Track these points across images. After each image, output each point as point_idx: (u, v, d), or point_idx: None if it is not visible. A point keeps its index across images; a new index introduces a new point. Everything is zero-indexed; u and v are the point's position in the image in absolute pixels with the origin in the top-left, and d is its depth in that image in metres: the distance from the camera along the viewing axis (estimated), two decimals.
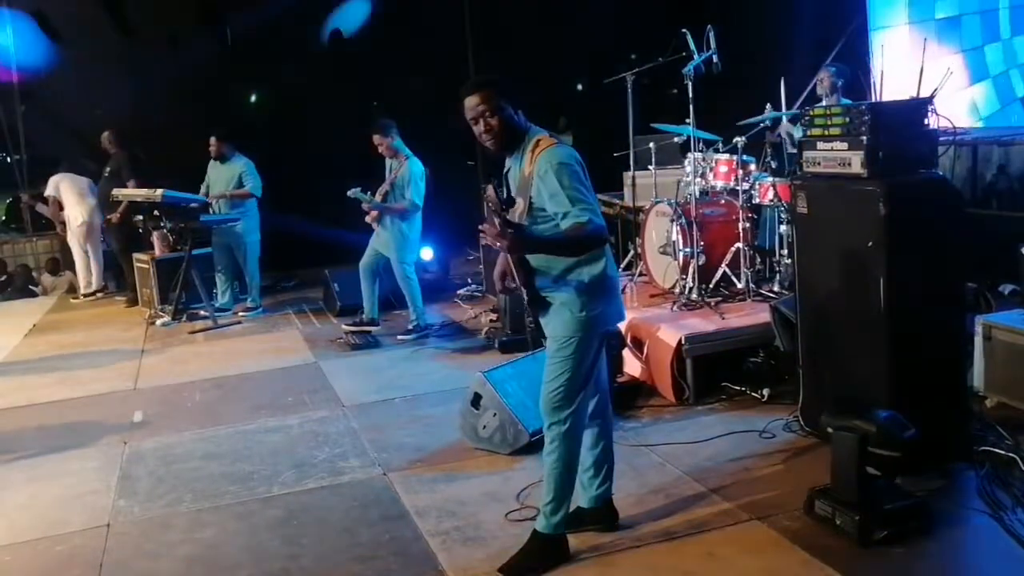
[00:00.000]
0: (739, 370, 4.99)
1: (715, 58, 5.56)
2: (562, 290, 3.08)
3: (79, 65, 9.44)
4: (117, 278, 9.52)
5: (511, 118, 3.04)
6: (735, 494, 3.66)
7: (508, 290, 3.39)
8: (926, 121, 3.77)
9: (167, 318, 7.76)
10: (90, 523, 3.86)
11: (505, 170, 3.22)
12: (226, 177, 7.83)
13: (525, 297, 3.14)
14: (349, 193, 6.47)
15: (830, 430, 3.31)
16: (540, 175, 2.95)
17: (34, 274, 10.47)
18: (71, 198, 9.13)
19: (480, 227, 2.95)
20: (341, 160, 9.11)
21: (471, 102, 3.02)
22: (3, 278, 10.25)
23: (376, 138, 6.51)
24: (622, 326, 5.28)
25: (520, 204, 3.06)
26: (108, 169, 8.80)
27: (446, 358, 6.20)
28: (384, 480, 4.11)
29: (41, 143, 10.01)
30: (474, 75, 3.12)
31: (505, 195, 3.13)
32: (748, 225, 5.61)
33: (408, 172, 6.49)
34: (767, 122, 6.10)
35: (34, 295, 10.12)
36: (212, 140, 7.80)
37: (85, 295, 9.37)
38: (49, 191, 9.19)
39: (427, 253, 8.12)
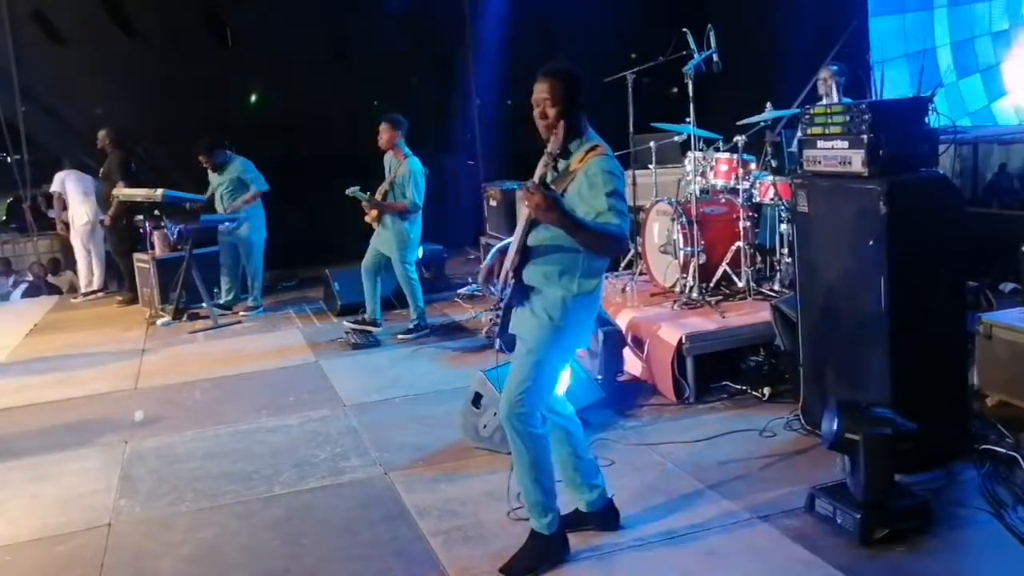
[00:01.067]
0: (740, 369, 4.99)
1: (715, 57, 5.56)
2: (550, 291, 3.07)
3: (80, 65, 9.44)
4: (118, 278, 9.52)
5: (569, 114, 3.04)
6: (736, 493, 3.66)
7: (492, 286, 3.31)
8: (927, 120, 3.77)
9: (168, 318, 7.76)
10: (91, 523, 3.86)
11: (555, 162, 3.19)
12: (229, 178, 7.82)
13: (511, 281, 3.10)
14: (348, 192, 6.47)
15: (852, 435, 3.26)
16: (588, 174, 2.97)
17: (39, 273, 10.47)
18: (76, 197, 9.13)
19: (525, 184, 2.92)
20: (341, 159, 9.12)
21: (539, 87, 3.07)
22: (11, 278, 10.26)
23: (383, 127, 6.52)
24: (622, 325, 5.28)
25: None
26: (102, 170, 8.81)
27: (447, 357, 6.19)
28: (385, 480, 4.11)
29: (42, 143, 10.01)
30: (551, 62, 3.10)
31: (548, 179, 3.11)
32: (748, 224, 5.61)
33: (408, 171, 6.48)
34: (767, 121, 6.09)
35: (54, 292, 10.07)
36: (200, 158, 7.77)
37: (85, 295, 9.37)
38: (55, 187, 9.19)
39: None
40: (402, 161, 6.54)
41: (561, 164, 3.09)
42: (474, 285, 8.16)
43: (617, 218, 2.92)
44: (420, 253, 7.92)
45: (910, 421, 3.25)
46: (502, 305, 3.17)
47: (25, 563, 3.57)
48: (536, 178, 2.95)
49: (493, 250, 3.34)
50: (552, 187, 2.97)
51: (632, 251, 6.63)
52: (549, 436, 3.22)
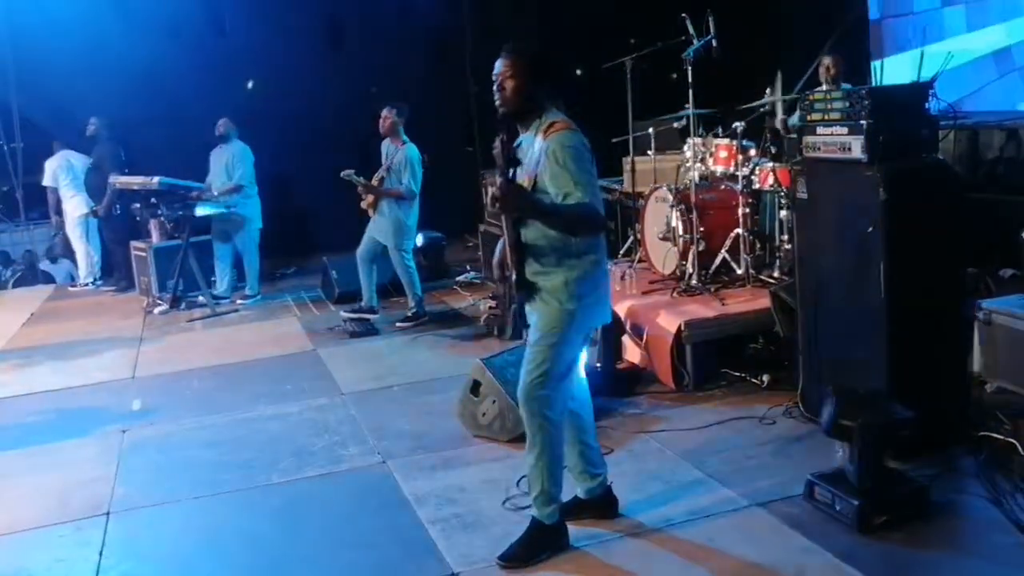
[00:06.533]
0: (739, 356, 4.98)
1: (714, 43, 5.53)
2: (552, 278, 3.06)
3: (75, 51, 9.37)
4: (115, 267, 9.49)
5: (526, 91, 3.04)
6: (735, 480, 3.66)
7: (506, 278, 3.36)
8: (927, 105, 3.75)
9: (165, 306, 7.75)
10: (90, 511, 3.85)
11: (516, 143, 3.20)
12: (221, 161, 7.80)
13: (513, 278, 3.12)
14: (342, 175, 6.45)
15: (848, 422, 3.26)
16: (548, 153, 2.96)
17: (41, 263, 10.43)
18: (69, 190, 9.09)
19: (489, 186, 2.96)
20: (338, 146, 9.07)
21: (498, 64, 3.08)
22: (8, 269, 10.23)
23: (385, 111, 6.53)
24: (621, 312, 5.27)
25: (525, 179, 3.06)
26: (92, 160, 8.76)
27: (445, 345, 6.18)
28: (383, 468, 4.11)
29: (36, 130, 9.95)
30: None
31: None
32: (748, 211, 5.58)
33: (405, 158, 6.47)
34: (766, 107, 6.06)
35: (48, 280, 10.04)
36: (222, 120, 7.79)
37: (84, 284, 9.35)
38: (47, 181, 9.13)
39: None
40: (400, 148, 6.52)
41: (525, 145, 3.09)
42: (472, 273, 8.15)
43: (584, 194, 2.91)
44: (420, 240, 7.92)
45: (908, 408, 3.24)
46: (515, 303, 3.17)
47: (24, 552, 3.56)
48: (497, 178, 2.94)
49: (500, 243, 3.34)
50: (517, 182, 2.98)
51: (631, 238, 6.62)
52: (564, 423, 3.21)
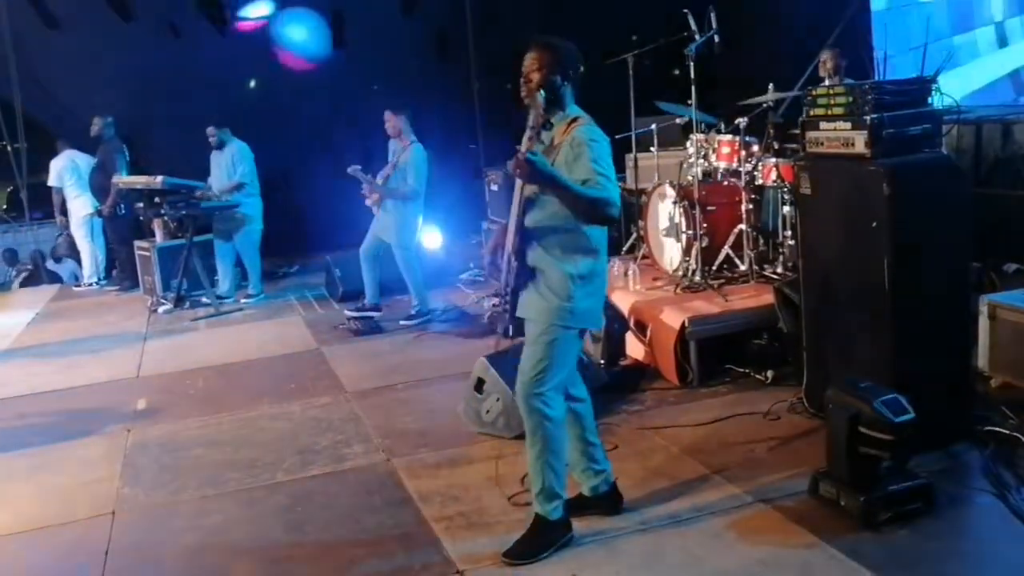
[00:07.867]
0: (743, 352, 4.97)
1: (716, 38, 5.52)
2: (555, 271, 3.06)
3: (78, 50, 9.38)
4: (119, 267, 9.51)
5: (551, 83, 3.07)
6: (740, 476, 3.66)
7: (496, 266, 3.34)
8: (930, 100, 3.74)
9: (169, 305, 7.76)
10: (95, 511, 3.87)
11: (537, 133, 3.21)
12: (222, 165, 7.81)
13: (514, 264, 3.11)
14: (349, 170, 6.45)
15: (830, 406, 3.30)
16: (572, 144, 2.98)
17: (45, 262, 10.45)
18: (74, 190, 9.10)
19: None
20: (342, 144, 9.08)
21: (527, 56, 3.11)
22: (13, 268, 10.24)
23: (388, 114, 6.51)
24: (625, 309, 5.27)
25: None
26: (95, 160, 8.77)
27: (449, 343, 6.19)
28: (387, 466, 4.11)
29: (40, 131, 9.97)
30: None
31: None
32: (751, 206, 5.58)
33: (411, 156, 6.46)
34: (770, 102, 6.04)
35: (54, 280, 10.06)
36: (209, 129, 7.78)
37: (89, 284, 9.37)
38: (52, 181, 9.14)
39: (434, 240, 8.06)
40: (407, 147, 6.51)
41: (545, 137, 3.10)
42: (475, 270, 8.14)
43: (604, 182, 2.93)
44: (433, 241, 7.90)
45: (912, 410, 3.17)
46: (508, 289, 3.16)
47: (30, 551, 3.58)
48: (526, 142, 2.95)
49: (498, 228, 3.34)
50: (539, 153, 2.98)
51: (634, 235, 6.61)
52: (564, 420, 3.21)
